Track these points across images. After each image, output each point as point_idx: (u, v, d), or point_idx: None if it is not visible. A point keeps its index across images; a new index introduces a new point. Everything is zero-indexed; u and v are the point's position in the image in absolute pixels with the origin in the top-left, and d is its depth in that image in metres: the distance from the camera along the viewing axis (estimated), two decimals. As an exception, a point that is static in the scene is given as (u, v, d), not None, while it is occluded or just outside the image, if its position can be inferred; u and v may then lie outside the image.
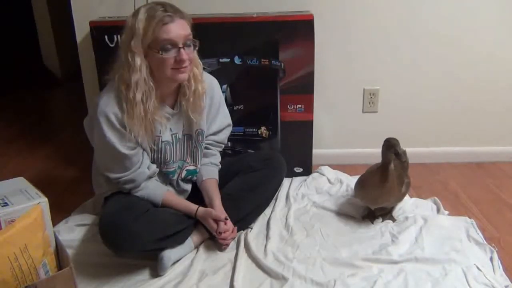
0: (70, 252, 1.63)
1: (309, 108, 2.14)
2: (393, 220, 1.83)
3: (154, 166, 1.69)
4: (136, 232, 1.52)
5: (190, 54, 1.55)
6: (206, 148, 1.82)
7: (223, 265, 1.61)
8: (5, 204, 1.32)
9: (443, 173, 2.29)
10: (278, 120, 2.15)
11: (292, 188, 2.10)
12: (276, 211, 1.91)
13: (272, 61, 2.07)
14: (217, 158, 1.86)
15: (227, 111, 1.87)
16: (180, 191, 1.81)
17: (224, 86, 2.04)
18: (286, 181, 2.08)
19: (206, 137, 1.80)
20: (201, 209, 1.69)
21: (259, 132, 2.17)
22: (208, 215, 1.66)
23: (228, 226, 1.67)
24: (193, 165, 1.79)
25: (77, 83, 2.33)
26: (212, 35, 1.99)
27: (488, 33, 2.21)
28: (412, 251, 1.64)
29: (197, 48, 1.58)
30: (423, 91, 2.30)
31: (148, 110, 1.54)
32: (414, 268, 1.56)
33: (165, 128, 1.66)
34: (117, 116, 1.53)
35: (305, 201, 2.00)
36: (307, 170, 2.23)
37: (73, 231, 1.81)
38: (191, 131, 1.74)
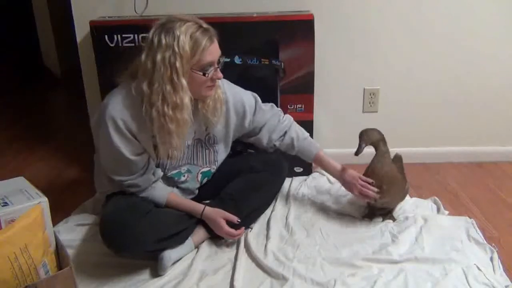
0: (70, 252, 1.63)
1: (309, 108, 2.14)
2: (393, 220, 1.83)
3: (158, 171, 1.69)
4: (137, 233, 1.52)
5: None
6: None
7: (223, 265, 1.61)
8: (5, 204, 1.32)
9: (443, 173, 2.29)
10: (278, 120, 2.15)
11: (292, 187, 2.10)
12: (276, 210, 1.91)
13: (272, 61, 2.07)
14: (284, 124, 1.88)
15: (243, 94, 1.84)
16: (187, 192, 1.80)
17: None
18: (286, 181, 2.07)
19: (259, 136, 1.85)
20: (209, 208, 1.68)
21: None
22: (219, 215, 1.66)
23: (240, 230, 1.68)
24: (207, 167, 1.79)
25: (77, 83, 2.33)
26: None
27: (488, 33, 2.21)
28: (412, 251, 1.64)
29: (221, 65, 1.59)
30: (423, 91, 2.30)
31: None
32: (414, 268, 1.56)
33: None
34: (125, 122, 1.51)
35: (305, 201, 2.00)
36: (307, 170, 2.23)
37: (73, 231, 1.81)
38: (201, 135, 1.74)
